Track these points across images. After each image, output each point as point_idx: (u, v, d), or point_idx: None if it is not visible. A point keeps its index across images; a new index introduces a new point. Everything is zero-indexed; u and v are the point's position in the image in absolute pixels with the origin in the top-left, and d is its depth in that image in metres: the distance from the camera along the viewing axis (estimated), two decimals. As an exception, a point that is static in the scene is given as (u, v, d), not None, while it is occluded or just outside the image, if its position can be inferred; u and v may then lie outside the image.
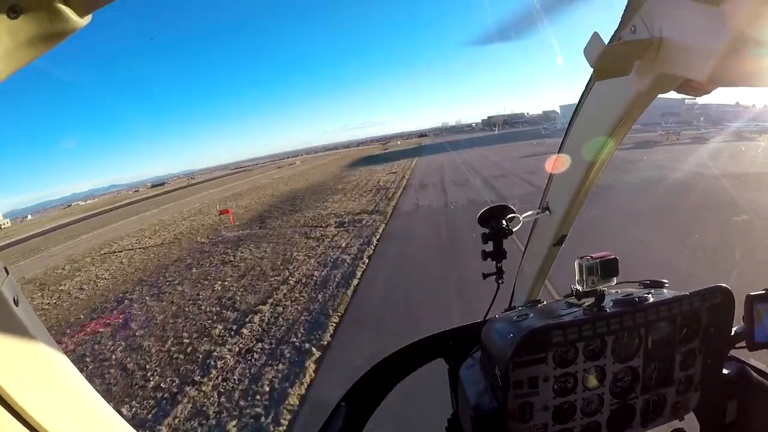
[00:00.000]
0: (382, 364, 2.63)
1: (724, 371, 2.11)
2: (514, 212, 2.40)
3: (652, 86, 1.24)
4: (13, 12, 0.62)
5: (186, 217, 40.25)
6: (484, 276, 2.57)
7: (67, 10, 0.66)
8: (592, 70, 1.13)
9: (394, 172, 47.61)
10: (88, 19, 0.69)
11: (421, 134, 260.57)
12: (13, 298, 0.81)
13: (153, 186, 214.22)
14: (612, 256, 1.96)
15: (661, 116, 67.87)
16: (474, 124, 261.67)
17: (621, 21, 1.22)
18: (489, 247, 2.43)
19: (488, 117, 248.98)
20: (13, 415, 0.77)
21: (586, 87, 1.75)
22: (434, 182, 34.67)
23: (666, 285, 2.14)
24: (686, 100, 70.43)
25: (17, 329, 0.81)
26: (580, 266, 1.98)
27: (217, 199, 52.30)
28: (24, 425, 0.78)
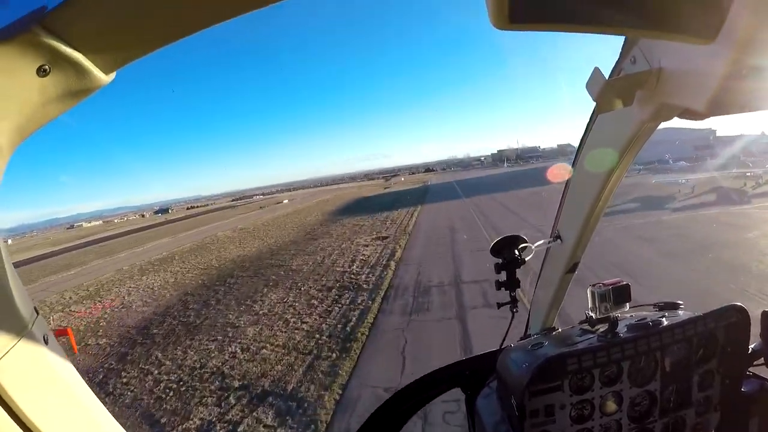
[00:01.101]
0: (399, 395, 2.65)
1: (744, 389, 2.07)
2: (526, 242, 2.37)
3: (654, 115, 1.29)
4: (43, 71, 0.66)
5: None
6: (499, 306, 2.49)
7: (94, 69, 0.69)
8: (594, 104, 1.22)
9: (384, 237, 31.69)
10: (112, 76, 0.73)
11: (428, 169, 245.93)
12: (44, 337, 0.86)
13: (157, 212, 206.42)
14: (624, 283, 2.01)
15: (694, 149, 60.18)
16: (483, 159, 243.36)
17: (621, 53, 1.29)
18: (502, 276, 2.39)
19: (498, 151, 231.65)
20: None
21: (590, 119, 1.79)
22: (443, 279, 18.55)
23: (681, 306, 2.16)
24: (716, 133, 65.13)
25: (47, 368, 0.85)
26: (593, 294, 2.05)
27: (123, 271, 36.14)
28: None
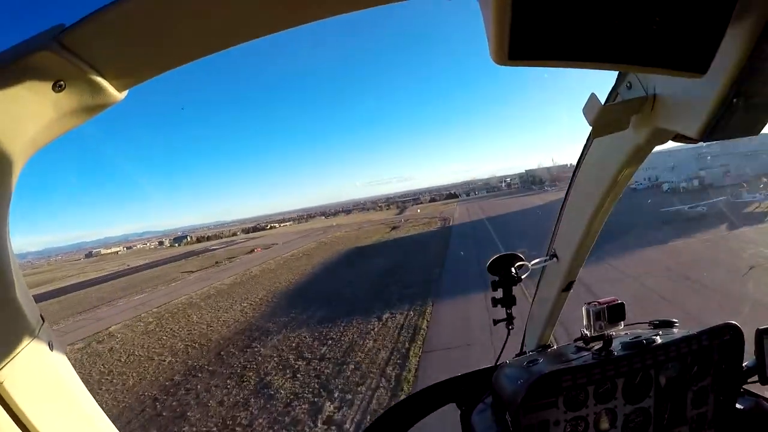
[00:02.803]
0: (394, 409, 2.66)
1: (738, 406, 2.10)
2: (522, 260, 2.39)
3: (649, 139, 1.30)
4: (58, 87, 0.67)
5: None
6: (495, 322, 2.52)
7: (108, 86, 0.71)
8: (591, 128, 1.23)
9: None
10: (125, 94, 0.76)
11: (450, 194, 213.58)
12: (49, 343, 0.87)
13: (174, 240, 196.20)
14: (619, 302, 2.05)
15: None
16: (509, 180, 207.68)
17: (617, 78, 1.30)
18: (499, 294, 2.41)
19: (527, 171, 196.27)
20: None
21: (587, 141, 1.79)
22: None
23: (676, 324, 2.20)
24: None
25: (52, 374, 0.86)
26: (588, 312, 2.08)
27: None
28: None
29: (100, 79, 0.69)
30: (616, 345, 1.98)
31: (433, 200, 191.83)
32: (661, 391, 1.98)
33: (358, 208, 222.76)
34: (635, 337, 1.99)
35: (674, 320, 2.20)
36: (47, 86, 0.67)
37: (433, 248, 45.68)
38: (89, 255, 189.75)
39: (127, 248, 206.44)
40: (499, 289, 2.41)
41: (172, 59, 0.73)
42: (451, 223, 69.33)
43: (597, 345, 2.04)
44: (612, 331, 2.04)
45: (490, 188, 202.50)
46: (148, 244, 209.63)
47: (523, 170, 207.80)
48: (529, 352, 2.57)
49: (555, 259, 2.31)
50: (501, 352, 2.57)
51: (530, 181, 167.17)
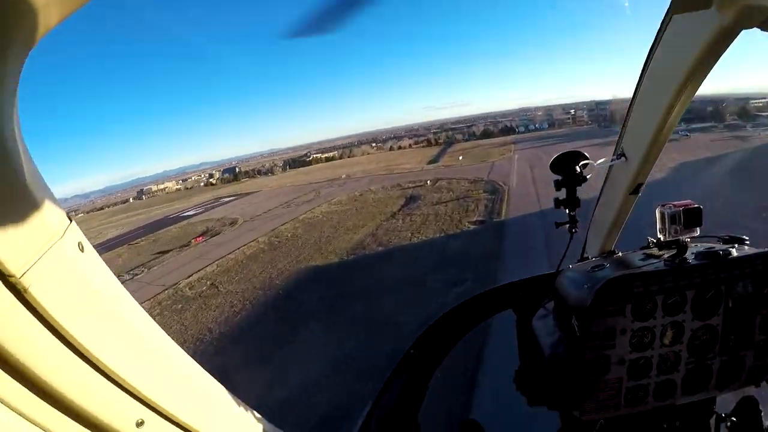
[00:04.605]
0: (451, 314, 2.63)
1: None
2: (587, 158, 2.24)
3: (735, 20, 1.18)
4: None
5: None
6: (557, 225, 2.38)
7: None
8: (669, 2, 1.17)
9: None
10: None
11: (506, 127, 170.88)
12: (78, 244, 0.82)
13: (224, 172, 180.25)
14: (695, 205, 1.93)
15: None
16: (574, 112, 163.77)
17: None
18: (562, 194, 2.29)
19: (596, 103, 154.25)
20: (79, 357, 0.77)
21: (661, 23, 1.64)
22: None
23: (746, 242, 2.04)
24: None
25: (82, 276, 0.82)
26: (662, 214, 1.97)
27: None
28: (92, 367, 0.80)
29: None
30: (688, 255, 1.84)
31: (486, 133, 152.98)
32: (730, 310, 1.84)
33: (409, 134, 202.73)
34: (709, 248, 1.86)
35: (744, 237, 2.00)
36: None
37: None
38: (140, 195, 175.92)
39: (178, 183, 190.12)
40: (562, 189, 2.25)
41: None
42: (505, 203, 38.44)
43: (668, 253, 1.91)
44: (686, 238, 1.90)
45: (553, 121, 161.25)
46: (202, 176, 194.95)
47: (588, 100, 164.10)
48: (592, 258, 2.41)
49: (623, 158, 2.18)
50: (563, 257, 2.42)
51: (603, 116, 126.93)
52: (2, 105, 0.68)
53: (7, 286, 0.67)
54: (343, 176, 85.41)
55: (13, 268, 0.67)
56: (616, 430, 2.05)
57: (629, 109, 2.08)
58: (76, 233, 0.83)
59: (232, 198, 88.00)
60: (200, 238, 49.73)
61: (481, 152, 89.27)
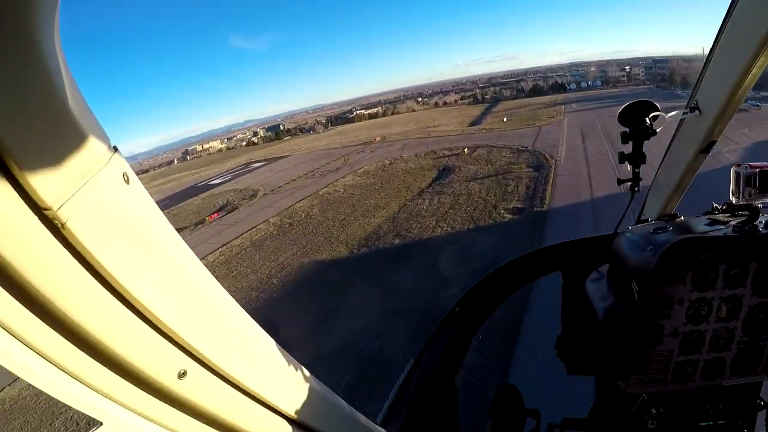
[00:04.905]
0: (498, 273, 2.60)
1: None
2: (658, 110, 2.09)
3: None
4: None
5: None
6: (619, 182, 2.26)
7: None
8: None
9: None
10: None
11: (556, 83, 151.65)
12: (123, 175, 0.76)
13: (268, 130, 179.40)
14: None
15: None
16: (629, 69, 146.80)
17: None
18: (628, 148, 2.14)
19: (653, 60, 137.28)
20: (120, 301, 0.72)
21: None
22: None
23: None
24: None
25: (127, 209, 0.76)
26: (737, 175, 1.80)
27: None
28: (134, 312, 0.75)
29: None
30: (759, 222, 1.70)
31: (535, 90, 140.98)
32: None
33: (456, 89, 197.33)
34: None
35: None
36: None
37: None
38: (185, 155, 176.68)
39: (223, 142, 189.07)
40: (629, 143, 2.12)
41: None
42: (550, 184, 32.42)
43: (736, 220, 1.77)
44: (760, 203, 1.75)
45: (607, 79, 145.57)
46: (247, 133, 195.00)
47: (644, 56, 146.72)
48: (652, 221, 2.25)
49: (697, 112, 2.04)
50: (621, 218, 2.30)
51: (662, 76, 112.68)
52: (42, 13, 0.60)
53: (42, 220, 0.61)
54: (378, 139, 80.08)
55: (50, 200, 0.60)
56: (658, 406, 1.90)
57: (709, 55, 1.91)
58: (120, 163, 0.76)
59: (261, 164, 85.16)
60: (216, 214, 47.25)
61: (527, 113, 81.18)
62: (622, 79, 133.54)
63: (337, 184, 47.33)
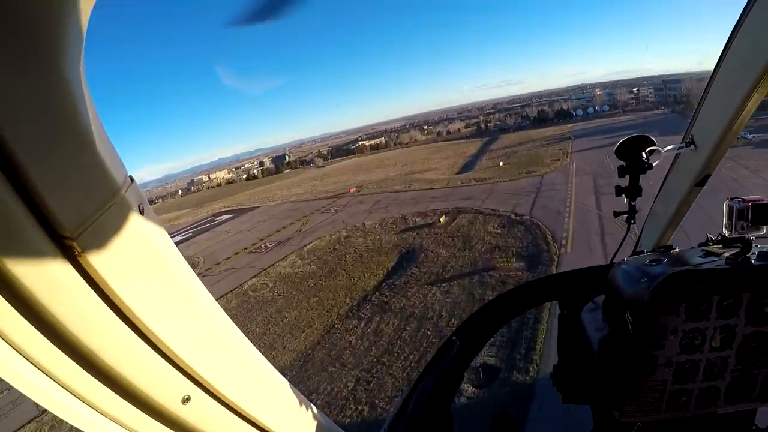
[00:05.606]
0: (495, 302, 2.61)
1: None
2: (654, 144, 2.11)
3: None
4: None
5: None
6: (616, 214, 2.30)
7: None
8: None
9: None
10: None
11: (562, 110, 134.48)
12: (138, 206, 0.77)
13: (274, 160, 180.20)
14: (766, 201, 1.82)
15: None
16: (637, 91, 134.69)
17: None
18: (625, 181, 2.20)
19: (663, 80, 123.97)
20: (130, 328, 0.73)
21: (748, 1, 1.54)
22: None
23: None
24: None
25: (143, 242, 0.77)
26: (730, 208, 1.86)
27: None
28: (143, 339, 0.76)
29: None
30: (751, 254, 1.73)
31: (541, 118, 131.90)
32: None
33: (462, 116, 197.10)
34: None
35: None
36: None
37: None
38: (190, 187, 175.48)
39: (230, 172, 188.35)
40: (625, 176, 2.16)
41: None
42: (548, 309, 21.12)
43: (729, 252, 1.79)
44: (752, 236, 1.78)
45: (615, 103, 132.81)
46: (254, 163, 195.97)
47: (649, 75, 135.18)
48: (647, 253, 2.22)
49: (692, 146, 2.10)
50: (618, 249, 2.37)
51: (674, 97, 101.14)
52: (68, 45, 0.61)
53: (60, 248, 0.61)
54: (352, 190, 70.49)
55: (70, 228, 0.61)
56: None
57: (704, 93, 1.97)
58: (136, 194, 0.77)
59: (229, 216, 75.68)
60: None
61: (529, 153, 70.77)
62: (631, 101, 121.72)
63: (270, 272, 36.60)
